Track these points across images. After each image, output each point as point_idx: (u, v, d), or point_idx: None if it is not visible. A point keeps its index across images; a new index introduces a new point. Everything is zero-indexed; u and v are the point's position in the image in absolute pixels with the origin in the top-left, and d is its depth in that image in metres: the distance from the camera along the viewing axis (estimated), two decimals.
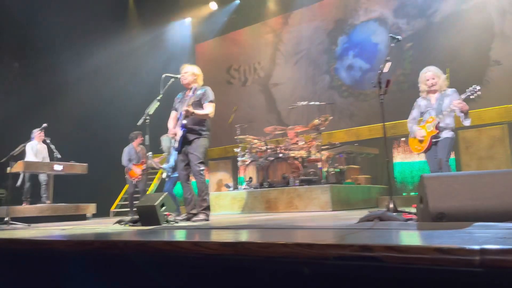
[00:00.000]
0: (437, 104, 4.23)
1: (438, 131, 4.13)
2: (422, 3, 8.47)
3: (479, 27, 7.69)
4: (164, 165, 6.77)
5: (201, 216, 4.14)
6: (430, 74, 4.28)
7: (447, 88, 4.25)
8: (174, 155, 6.48)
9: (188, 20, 12.11)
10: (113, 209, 9.53)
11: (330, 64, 9.63)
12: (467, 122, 4.06)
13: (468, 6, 7.91)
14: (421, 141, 4.29)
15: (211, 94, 4.37)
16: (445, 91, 4.23)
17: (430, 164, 4.28)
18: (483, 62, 7.55)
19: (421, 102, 4.41)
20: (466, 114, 4.00)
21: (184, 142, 4.30)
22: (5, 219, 5.32)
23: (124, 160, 7.25)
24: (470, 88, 3.92)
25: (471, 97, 3.92)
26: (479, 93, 3.87)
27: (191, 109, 4.16)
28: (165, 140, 6.84)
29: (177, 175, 6.34)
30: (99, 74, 9.50)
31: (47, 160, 7.47)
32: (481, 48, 7.59)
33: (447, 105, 4.11)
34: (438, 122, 4.12)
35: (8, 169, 6.61)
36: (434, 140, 4.18)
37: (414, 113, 4.39)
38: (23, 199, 7.33)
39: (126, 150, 7.31)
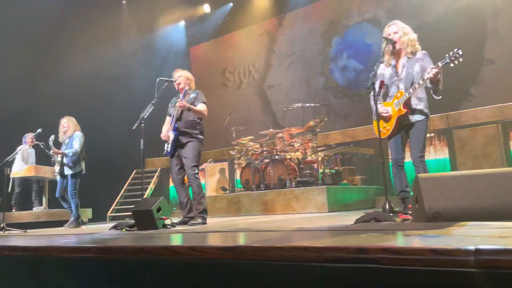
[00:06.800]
0: (405, 72, 3.34)
1: (406, 110, 3.28)
2: (416, 4, 8.49)
3: (472, 26, 7.73)
4: (67, 150, 5.87)
5: (199, 220, 4.14)
6: (393, 28, 3.36)
7: (417, 52, 3.35)
8: (78, 138, 5.92)
9: (182, 24, 12.11)
10: (109, 214, 9.48)
11: (325, 65, 9.66)
12: (437, 96, 3.23)
13: (461, 6, 7.96)
14: (386, 120, 3.41)
15: (203, 97, 4.46)
16: (415, 55, 3.34)
17: (393, 152, 3.47)
18: (477, 61, 7.59)
19: (384, 70, 3.48)
20: (437, 84, 3.15)
21: (177, 145, 4.34)
22: (1, 225, 5.29)
23: None
24: (451, 53, 3.02)
25: (451, 64, 3.04)
26: (460, 59, 3.01)
27: (186, 103, 4.20)
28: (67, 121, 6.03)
29: (69, 173, 5.92)
30: (93, 79, 9.45)
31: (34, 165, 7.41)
32: (474, 47, 7.63)
33: (417, 73, 3.27)
34: (409, 98, 3.26)
35: (12, 174, 6.57)
36: (403, 123, 3.35)
37: (377, 85, 3.34)
38: (13, 204, 7.26)
39: None
